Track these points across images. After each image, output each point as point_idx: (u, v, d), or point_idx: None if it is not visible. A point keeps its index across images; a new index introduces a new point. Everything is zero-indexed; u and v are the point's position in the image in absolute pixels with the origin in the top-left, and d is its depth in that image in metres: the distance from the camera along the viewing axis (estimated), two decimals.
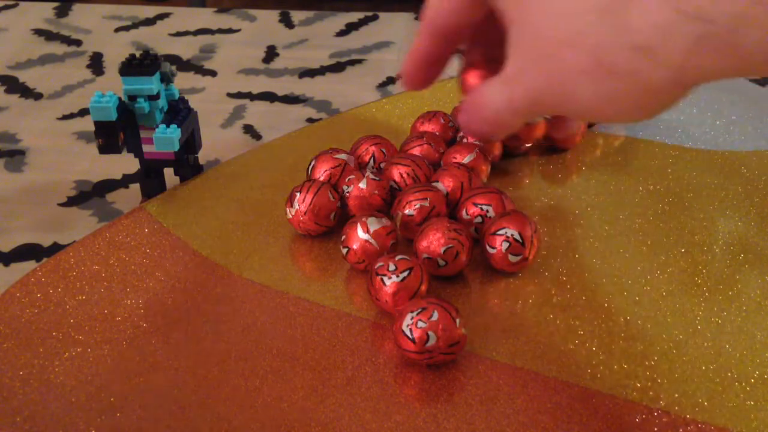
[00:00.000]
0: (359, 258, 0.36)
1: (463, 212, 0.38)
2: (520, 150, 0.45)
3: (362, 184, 0.39)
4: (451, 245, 0.36)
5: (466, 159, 0.41)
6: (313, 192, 0.38)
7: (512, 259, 0.36)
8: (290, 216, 0.39)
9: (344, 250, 0.37)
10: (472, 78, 0.40)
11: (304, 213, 0.38)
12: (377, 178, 0.39)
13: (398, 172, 0.40)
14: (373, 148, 0.42)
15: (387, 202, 0.40)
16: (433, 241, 0.36)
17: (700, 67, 0.28)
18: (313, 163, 0.41)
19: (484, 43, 0.41)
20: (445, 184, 0.39)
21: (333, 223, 0.39)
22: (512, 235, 0.36)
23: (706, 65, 0.28)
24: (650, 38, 0.28)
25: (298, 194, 0.38)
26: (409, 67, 0.40)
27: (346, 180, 0.39)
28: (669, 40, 0.28)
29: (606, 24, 0.29)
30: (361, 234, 0.36)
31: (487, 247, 0.37)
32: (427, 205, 0.38)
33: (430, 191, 0.38)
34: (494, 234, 0.36)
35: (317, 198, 0.38)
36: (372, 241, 0.36)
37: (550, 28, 0.31)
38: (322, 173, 0.41)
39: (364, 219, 0.37)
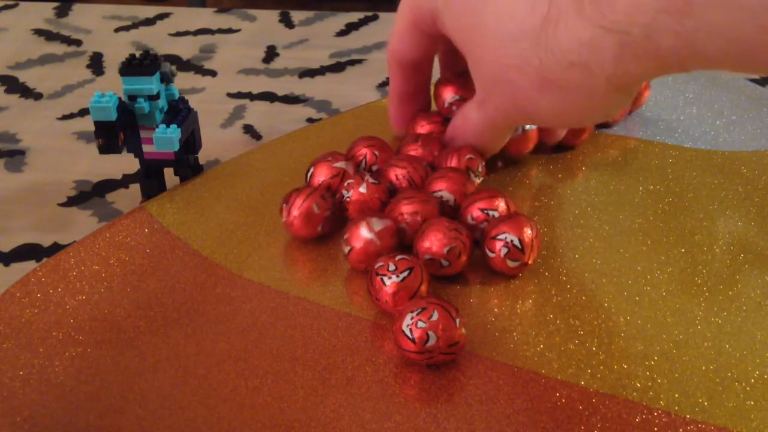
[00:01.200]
0: (362, 258, 0.36)
1: (468, 217, 0.38)
2: (521, 156, 0.45)
3: (362, 189, 0.39)
4: (453, 245, 0.36)
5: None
6: (299, 204, 0.38)
7: (511, 264, 0.36)
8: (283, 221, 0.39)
9: (346, 249, 0.37)
10: (446, 92, 0.44)
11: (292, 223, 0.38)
12: (377, 182, 0.39)
13: (395, 174, 0.40)
14: (366, 150, 0.42)
15: (386, 204, 0.39)
16: (435, 242, 0.36)
17: (628, 73, 0.32)
18: (311, 170, 0.41)
19: (452, 63, 0.45)
20: (444, 189, 0.39)
21: (321, 232, 0.39)
22: (512, 240, 0.36)
23: (633, 70, 0.31)
24: (581, 54, 0.31)
25: (284, 206, 0.39)
26: (393, 110, 0.44)
27: (346, 184, 0.39)
28: (597, 53, 0.31)
29: (540, 48, 0.33)
30: (365, 233, 0.36)
31: (487, 251, 0.37)
32: (419, 219, 0.37)
33: (423, 203, 0.38)
34: (494, 238, 0.36)
35: (304, 208, 0.38)
36: (376, 240, 0.36)
37: (497, 57, 0.35)
38: (320, 181, 0.40)
39: (368, 218, 0.36)
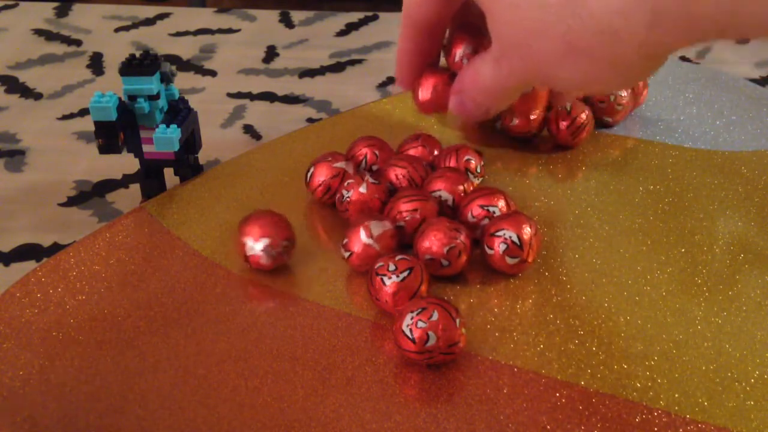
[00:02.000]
0: (362, 262, 0.36)
1: (468, 215, 0.38)
2: (526, 133, 0.45)
3: (362, 189, 0.39)
4: (453, 245, 0.36)
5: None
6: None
7: (510, 261, 0.36)
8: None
9: (346, 254, 0.37)
10: (457, 46, 0.41)
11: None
12: (377, 182, 0.39)
13: (394, 174, 0.40)
14: (366, 149, 0.42)
15: (386, 204, 0.39)
16: (435, 242, 0.36)
17: (661, 41, 0.30)
18: (311, 170, 0.41)
19: (467, 25, 0.42)
20: (443, 189, 0.39)
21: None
22: (510, 237, 0.36)
23: (666, 39, 0.30)
24: (612, 21, 0.30)
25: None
26: (400, 67, 0.42)
27: (346, 184, 0.39)
28: (629, 20, 0.30)
29: (569, 13, 0.31)
30: (363, 238, 0.36)
31: (486, 248, 0.37)
32: (418, 216, 0.38)
33: (422, 201, 0.38)
34: (493, 235, 0.36)
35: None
36: (375, 245, 0.36)
37: (521, 19, 0.33)
38: (320, 182, 0.41)
39: (366, 223, 0.36)
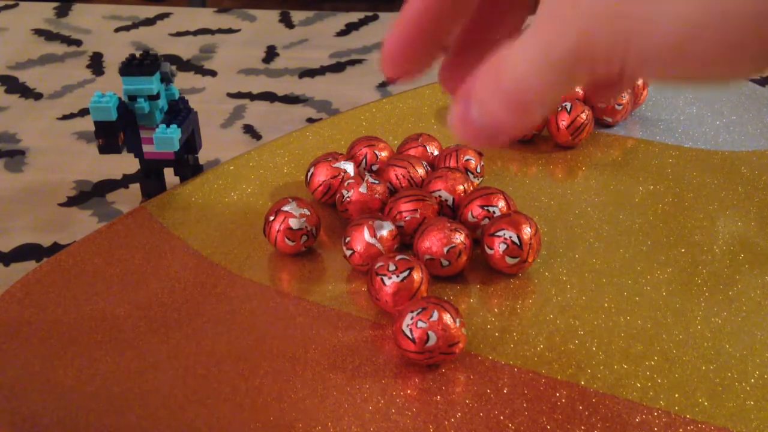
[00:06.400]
0: (364, 261, 0.36)
1: (468, 215, 0.38)
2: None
3: (362, 189, 0.39)
4: (453, 245, 0.36)
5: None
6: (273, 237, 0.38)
7: (510, 261, 0.36)
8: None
9: (348, 252, 0.37)
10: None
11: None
12: (377, 182, 0.39)
13: (394, 174, 0.40)
14: (366, 149, 0.42)
15: (386, 204, 0.39)
16: (435, 242, 0.36)
17: None
18: (311, 170, 0.41)
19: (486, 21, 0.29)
20: (443, 189, 0.39)
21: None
22: (510, 237, 0.36)
23: None
24: None
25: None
26: (395, 38, 0.28)
27: (346, 184, 0.39)
28: None
29: None
30: (367, 237, 0.36)
31: (486, 248, 0.37)
32: (418, 216, 0.38)
33: (422, 201, 0.38)
34: (493, 235, 0.36)
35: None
36: (378, 244, 0.36)
37: None
38: (321, 182, 0.41)
39: (370, 222, 0.36)
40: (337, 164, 0.41)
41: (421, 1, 0.27)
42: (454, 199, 0.39)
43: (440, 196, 0.39)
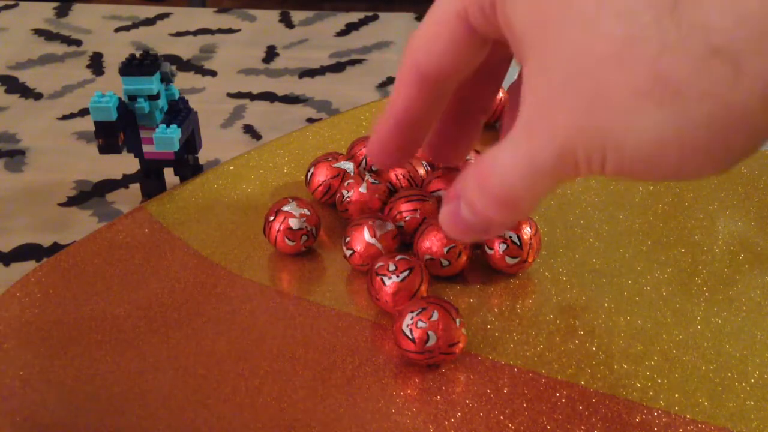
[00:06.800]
0: (364, 261, 0.36)
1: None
2: None
3: (362, 189, 0.39)
4: (453, 245, 0.36)
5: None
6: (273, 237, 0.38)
7: (510, 261, 0.36)
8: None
9: (348, 252, 0.37)
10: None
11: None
12: (377, 182, 0.39)
13: (394, 174, 0.40)
14: (365, 149, 0.42)
15: (386, 204, 0.39)
16: (435, 242, 0.36)
17: None
18: (311, 170, 0.41)
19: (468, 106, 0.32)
20: (442, 189, 0.39)
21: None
22: (510, 237, 0.36)
23: None
24: (735, 37, 0.20)
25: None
26: (381, 135, 0.31)
27: (346, 184, 0.39)
28: (763, 38, 0.20)
29: (669, 23, 0.21)
30: (367, 237, 0.36)
31: (486, 248, 0.37)
32: (418, 216, 0.37)
33: (422, 201, 0.38)
34: None
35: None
36: (378, 244, 0.36)
37: (588, 39, 0.22)
38: (321, 182, 0.41)
39: (370, 222, 0.36)
40: (337, 164, 0.41)
41: (400, 106, 0.30)
42: None
43: (440, 196, 0.39)
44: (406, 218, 0.37)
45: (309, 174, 0.41)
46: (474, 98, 0.33)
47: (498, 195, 0.26)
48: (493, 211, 0.27)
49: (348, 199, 0.39)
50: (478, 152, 0.42)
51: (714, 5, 0.20)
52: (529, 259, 0.36)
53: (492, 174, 0.26)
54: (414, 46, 0.29)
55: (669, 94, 0.21)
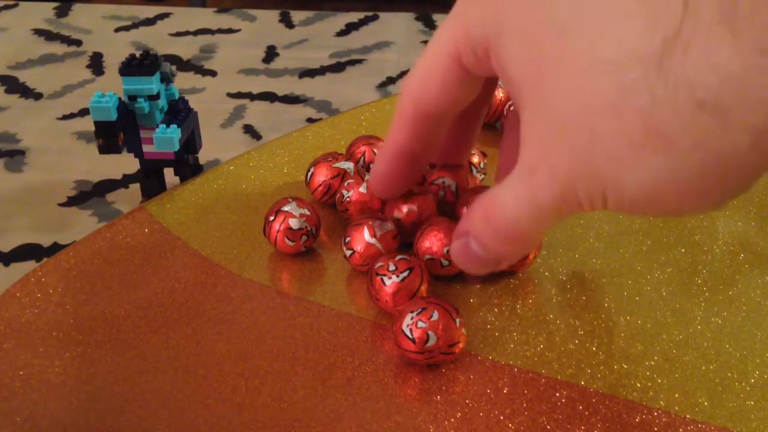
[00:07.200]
0: (364, 261, 0.36)
1: (464, 210, 0.38)
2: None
3: (362, 189, 0.39)
4: None
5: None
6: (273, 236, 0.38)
7: None
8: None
9: (348, 252, 0.37)
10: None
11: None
12: None
13: None
14: (365, 148, 0.42)
15: (386, 203, 0.39)
16: (435, 242, 0.36)
17: None
18: (311, 170, 0.41)
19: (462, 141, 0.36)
20: (446, 176, 0.39)
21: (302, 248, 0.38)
22: None
23: None
24: (720, 91, 0.21)
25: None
26: (382, 169, 0.34)
27: (346, 184, 0.39)
28: (746, 91, 0.21)
29: (657, 78, 0.22)
30: (367, 237, 0.36)
31: None
32: (416, 210, 0.37)
33: (420, 200, 0.38)
34: None
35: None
36: (378, 244, 0.36)
37: (582, 92, 0.24)
38: (320, 182, 0.40)
39: (370, 222, 0.36)
40: (337, 164, 0.41)
41: (400, 140, 0.32)
42: (457, 185, 0.39)
43: (443, 183, 0.39)
44: (405, 217, 0.37)
45: (309, 174, 0.41)
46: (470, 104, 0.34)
47: (505, 232, 0.28)
48: (501, 246, 0.29)
49: (348, 199, 0.39)
50: (480, 156, 0.42)
51: (699, 63, 0.21)
52: (530, 256, 0.36)
53: (498, 213, 0.27)
54: (410, 85, 0.31)
55: (662, 144, 0.22)
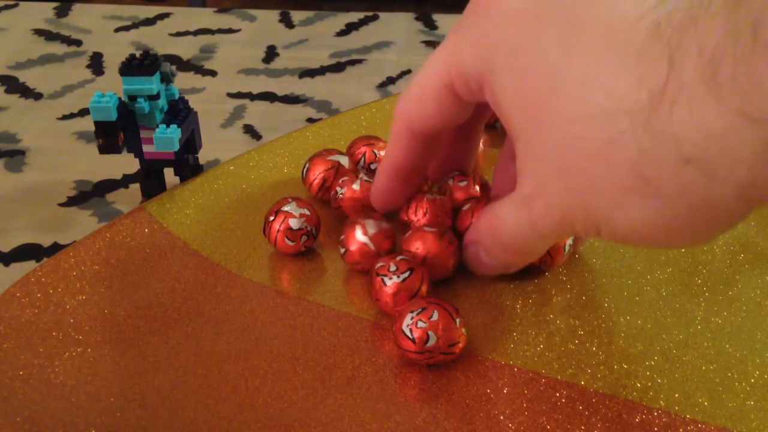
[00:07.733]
0: (356, 259, 0.36)
1: (468, 223, 0.38)
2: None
3: (356, 186, 0.39)
4: None
5: None
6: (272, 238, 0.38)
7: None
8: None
9: (342, 250, 0.37)
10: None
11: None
12: (371, 180, 0.39)
13: None
14: (365, 148, 0.42)
15: None
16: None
17: None
18: (307, 166, 0.41)
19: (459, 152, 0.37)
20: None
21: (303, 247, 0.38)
22: None
23: None
24: (705, 148, 0.22)
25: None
26: (381, 185, 0.36)
27: (340, 181, 0.39)
28: (728, 149, 0.22)
29: (644, 131, 0.23)
30: (359, 236, 0.36)
31: None
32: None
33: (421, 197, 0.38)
34: None
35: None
36: (370, 244, 0.36)
37: (573, 137, 0.25)
38: (316, 176, 0.40)
39: (362, 221, 0.36)
40: (330, 157, 0.41)
41: (397, 157, 0.34)
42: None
43: (438, 186, 0.39)
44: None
45: (305, 170, 0.41)
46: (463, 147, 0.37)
47: (510, 247, 0.31)
48: (508, 257, 0.32)
49: (341, 196, 0.39)
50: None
51: (685, 120, 0.22)
52: (558, 259, 0.36)
53: (502, 232, 0.30)
54: (404, 108, 0.32)
55: (651, 190, 0.24)
